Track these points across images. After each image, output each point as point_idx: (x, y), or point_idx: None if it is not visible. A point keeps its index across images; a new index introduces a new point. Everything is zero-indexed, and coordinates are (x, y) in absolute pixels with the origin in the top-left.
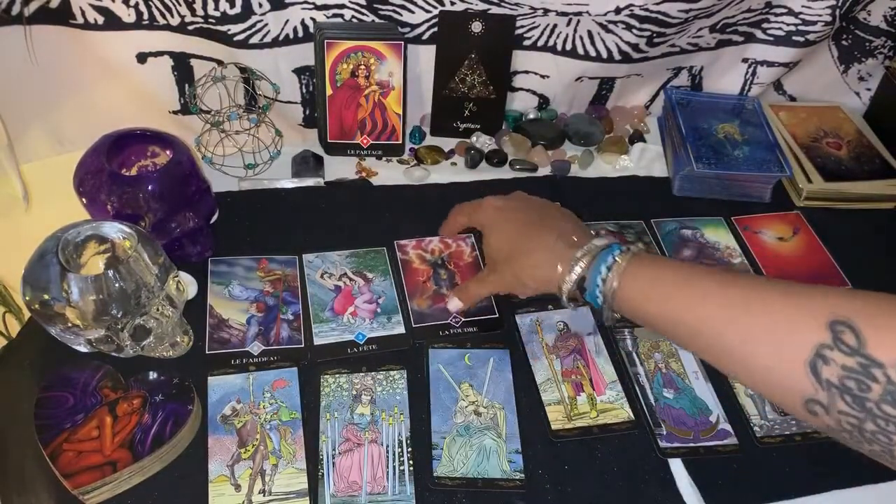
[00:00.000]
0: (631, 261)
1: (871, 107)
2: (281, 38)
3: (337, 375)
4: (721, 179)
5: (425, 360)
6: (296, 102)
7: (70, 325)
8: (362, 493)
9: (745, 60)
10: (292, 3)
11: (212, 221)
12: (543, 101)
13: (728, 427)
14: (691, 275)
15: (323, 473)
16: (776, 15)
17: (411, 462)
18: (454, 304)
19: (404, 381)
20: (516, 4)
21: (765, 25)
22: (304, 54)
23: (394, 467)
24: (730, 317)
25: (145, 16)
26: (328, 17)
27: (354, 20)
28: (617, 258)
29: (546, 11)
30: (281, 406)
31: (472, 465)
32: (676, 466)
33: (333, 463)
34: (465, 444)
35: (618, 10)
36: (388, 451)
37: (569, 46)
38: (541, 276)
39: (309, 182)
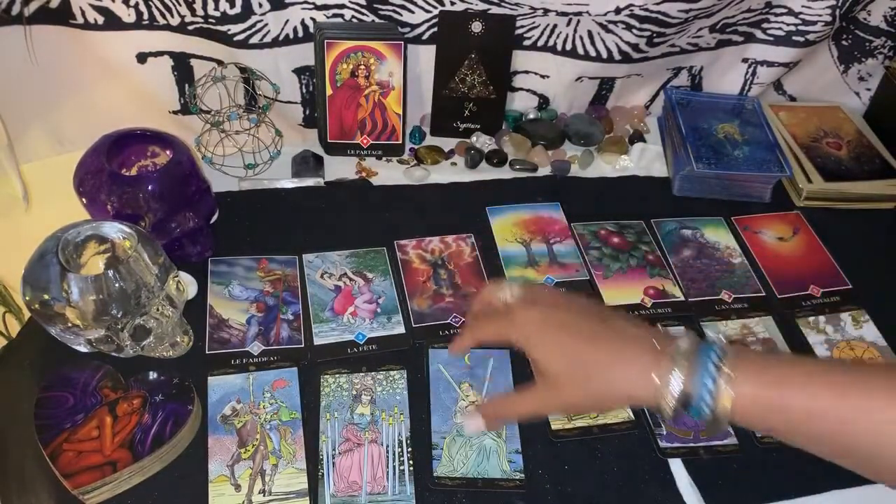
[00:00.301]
0: (736, 368)
1: (871, 107)
2: (281, 38)
3: (337, 375)
4: (721, 179)
5: (425, 361)
6: (296, 102)
7: (70, 325)
8: (362, 493)
9: (745, 60)
10: (292, 3)
11: (212, 221)
12: (543, 101)
13: (729, 427)
14: (823, 367)
15: (323, 473)
16: (776, 15)
17: (411, 462)
18: (474, 425)
19: (404, 381)
20: (516, 4)
21: (765, 25)
22: (304, 54)
23: (394, 467)
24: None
25: (145, 16)
26: (328, 17)
27: (354, 20)
28: (722, 365)
29: (546, 11)
30: (281, 406)
31: (472, 465)
32: (676, 466)
33: (333, 463)
34: (465, 444)
35: (618, 10)
36: (388, 451)
37: (569, 46)
38: (628, 395)
39: (309, 182)
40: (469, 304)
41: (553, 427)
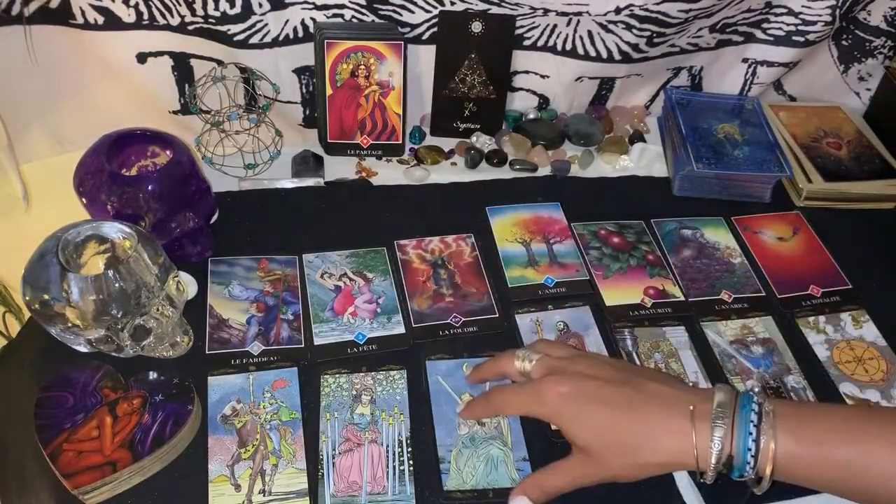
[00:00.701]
0: (776, 424)
1: (871, 107)
2: (281, 38)
3: (337, 375)
4: (721, 179)
5: (423, 373)
6: (296, 102)
7: (70, 325)
8: (362, 494)
9: (745, 60)
10: (292, 3)
11: (212, 221)
12: (543, 101)
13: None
14: (862, 420)
15: (323, 473)
16: (776, 15)
17: (411, 462)
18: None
19: (404, 381)
20: (516, 4)
21: (765, 25)
22: (304, 54)
23: (394, 467)
24: None
25: (145, 16)
26: (328, 17)
27: (354, 20)
28: (762, 423)
29: (546, 11)
30: (281, 406)
31: (482, 477)
32: None
33: (333, 463)
34: (471, 456)
35: (618, 10)
36: (388, 451)
37: (569, 46)
38: (672, 462)
39: (309, 182)
40: (480, 372)
41: (553, 427)
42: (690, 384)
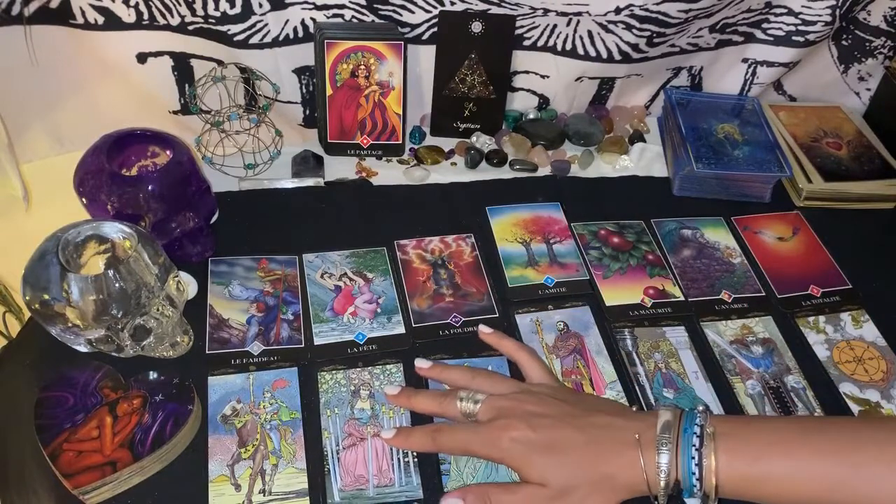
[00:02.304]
0: (717, 443)
1: (871, 107)
2: (281, 38)
3: (334, 372)
4: (721, 179)
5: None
6: (296, 102)
7: (70, 325)
8: (370, 487)
9: (745, 60)
10: (292, 3)
11: (212, 221)
12: (543, 101)
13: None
14: (800, 432)
15: (329, 469)
16: (776, 15)
17: (415, 453)
18: None
19: (401, 375)
20: (516, 4)
21: (765, 25)
22: (304, 54)
23: (398, 459)
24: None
25: (145, 16)
26: (328, 17)
27: (354, 20)
28: (704, 446)
29: (546, 11)
30: (281, 406)
31: (482, 477)
32: None
33: (338, 458)
34: (472, 457)
35: (618, 11)
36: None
37: (569, 46)
38: (624, 489)
39: (309, 182)
40: (411, 402)
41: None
42: (634, 408)
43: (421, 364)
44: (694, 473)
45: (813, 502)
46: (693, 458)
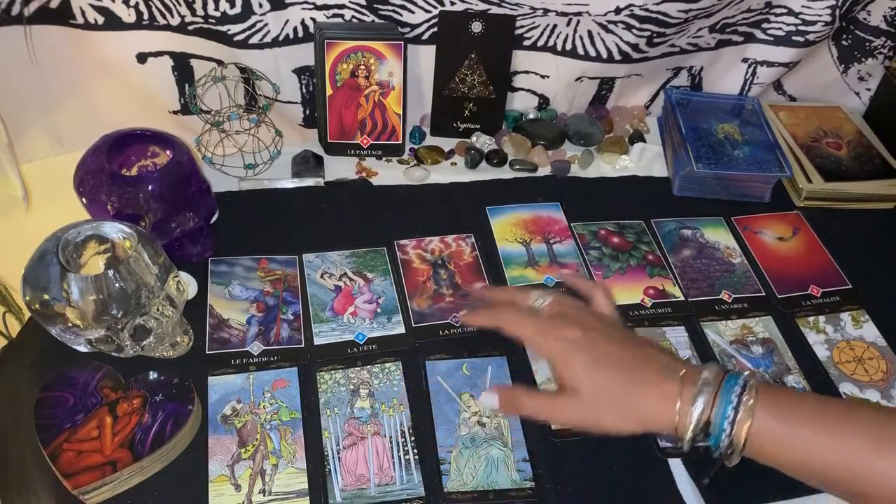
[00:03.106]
0: (757, 397)
1: (870, 107)
2: (281, 38)
3: (333, 371)
4: (721, 179)
5: (423, 374)
6: (296, 102)
7: (70, 325)
8: (371, 486)
9: (744, 60)
10: (292, 3)
11: (212, 221)
12: (543, 101)
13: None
14: (835, 408)
15: (330, 469)
16: (776, 15)
17: (416, 451)
18: (489, 400)
19: (400, 373)
20: (516, 4)
21: (765, 25)
22: (304, 54)
23: (399, 457)
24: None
25: (145, 16)
26: (328, 17)
27: (354, 20)
28: (742, 396)
29: (546, 11)
30: (281, 406)
31: (482, 478)
32: (676, 467)
33: (339, 458)
34: (472, 457)
35: (618, 11)
36: (391, 443)
37: (569, 46)
38: (654, 418)
39: (309, 182)
40: (489, 292)
41: (553, 427)
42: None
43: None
44: (728, 417)
45: (828, 477)
46: (732, 402)
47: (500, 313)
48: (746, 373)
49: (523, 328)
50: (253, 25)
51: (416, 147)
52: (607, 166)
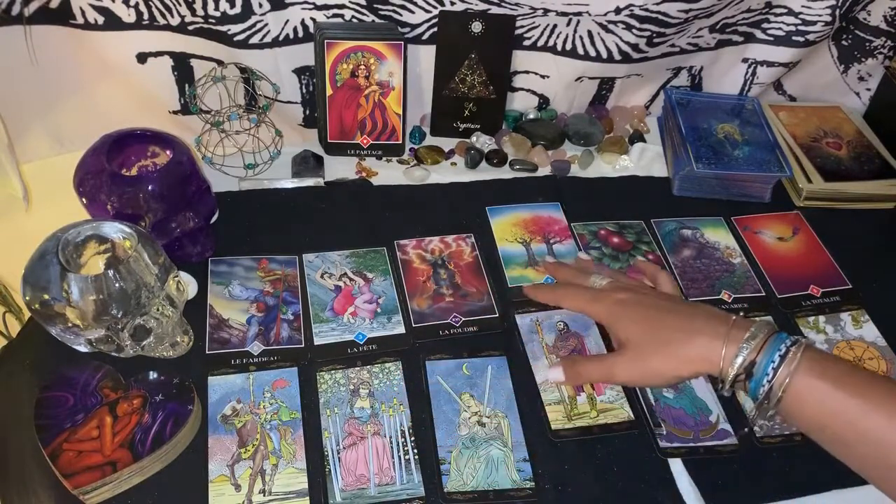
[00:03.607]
0: (804, 353)
1: (871, 107)
2: (281, 38)
3: (333, 371)
4: (721, 179)
5: (423, 374)
6: (296, 102)
7: (70, 325)
8: (371, 486)
9: (745, 60)
10: (292, 3)
11: (212, 221)
12: (543, 101)
13: (728, 427)
14: (880, 382)
15: (330, 469)
16: (776, 15)
17: (416, 451)
18: (556, 374)
19: (400, 373)
20: (516, 4)
21: (765, 25)
22: (304, 54)
23: (399, 457)
24: None
25: (145, 16)
26: (328, 17)
27: (354, 20)
28: (791, 348)
29: (546, 11)
30: (281, 406)
31: (482, 478)
32: (676, 466)
33: (339, 458)
34: (472, 457)
35: (618, 11)
36: (391, 443)
37: (569, 46)
38: (700, 357)
39: (309, 182)
40: (553, 269)
41: (553, 427)
42: None
43: (582, 255)
44: (773, 363)
45: (857, 446)
46: (779, 350)
47: (561, 290)
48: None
49: (581, 300)
50: (253, 25)
51: (416, 147)
52: (607, 166)
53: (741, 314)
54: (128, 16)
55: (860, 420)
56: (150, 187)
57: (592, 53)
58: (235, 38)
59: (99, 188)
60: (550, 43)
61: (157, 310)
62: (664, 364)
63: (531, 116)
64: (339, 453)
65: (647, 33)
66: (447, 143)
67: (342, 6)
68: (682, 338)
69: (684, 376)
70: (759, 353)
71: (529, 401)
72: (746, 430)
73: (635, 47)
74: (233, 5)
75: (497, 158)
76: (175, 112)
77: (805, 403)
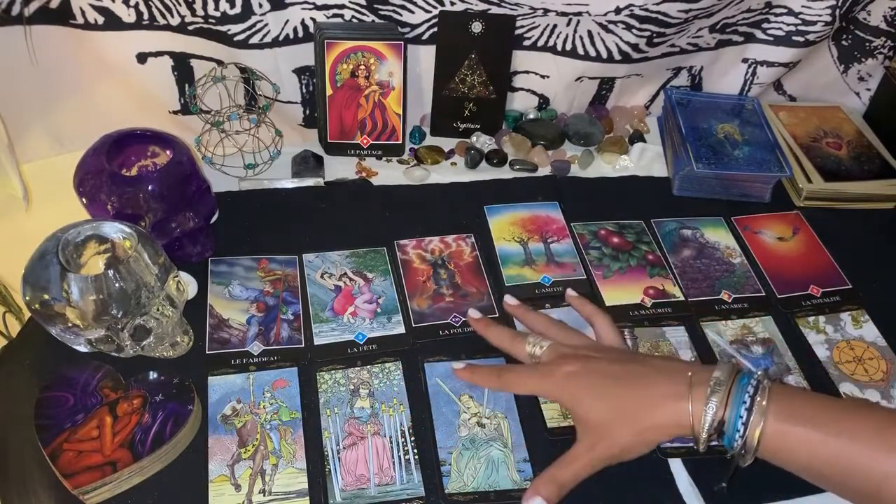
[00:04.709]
0: (771, 397)
1: (871, 107)
2: (281, 38)
3: (333, 371)
4: (721, 179)
5: (422, 376)
6: (296, 102)
7: (70, 325)
8: (371, 486)
9: (744, 60)
10: (292, 3)
11: (212, 221)
12: (543, 101)
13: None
14: (848, 409)
15: (330, 469)
16: (776, 15)
17: (416, 451)
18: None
19: (400, 373)
20: (516, 4)
21: (765, 25)
22: (304, 54)
23: (399, 457)
24: None
25: (145, 16)
26: (328, 17)
27: (354, 20)
28: (755, 397)
29: (546, 11)
30: (281, 406)
31: (483, 479)
32: (676, 466)
33: (339, 458)
34: (472, 458)
35: (618, 11)
36: (391, 442)
37: (569, 46)
38: (671, 423)
39: (309, 182)
40: (485, 331)
41: (549, 425)
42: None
43: (509, 300)
44: (741, 417)
45: (841, 479)
46: (745, 402)
47: (504, 376)
48: (759, 373)
49: (529, 382)
50: (253, 25)
51: (416, 147)
52: (607, 166)
53: (694, 359)
54: (128, 16)
55: (840, 455)
56: (150, 187)
57: (592, 53)
58: (235, 38)
59: (99, 188)
60: (550, 43)
61: (157, 310)
62: (638, 439)
63: (531, 116)
64: (339, 453)
65: (647, 33)
66: (447, 143)
67: (342, 6)
68: (645, 407)
69: (661, 440)
70: (725, 408)
71: (528, 400)
72: (724, 484)
73: (635, 47)
74: (233, 5)
75: (497, 158)
76: (175, 112)
77: (781, 450)
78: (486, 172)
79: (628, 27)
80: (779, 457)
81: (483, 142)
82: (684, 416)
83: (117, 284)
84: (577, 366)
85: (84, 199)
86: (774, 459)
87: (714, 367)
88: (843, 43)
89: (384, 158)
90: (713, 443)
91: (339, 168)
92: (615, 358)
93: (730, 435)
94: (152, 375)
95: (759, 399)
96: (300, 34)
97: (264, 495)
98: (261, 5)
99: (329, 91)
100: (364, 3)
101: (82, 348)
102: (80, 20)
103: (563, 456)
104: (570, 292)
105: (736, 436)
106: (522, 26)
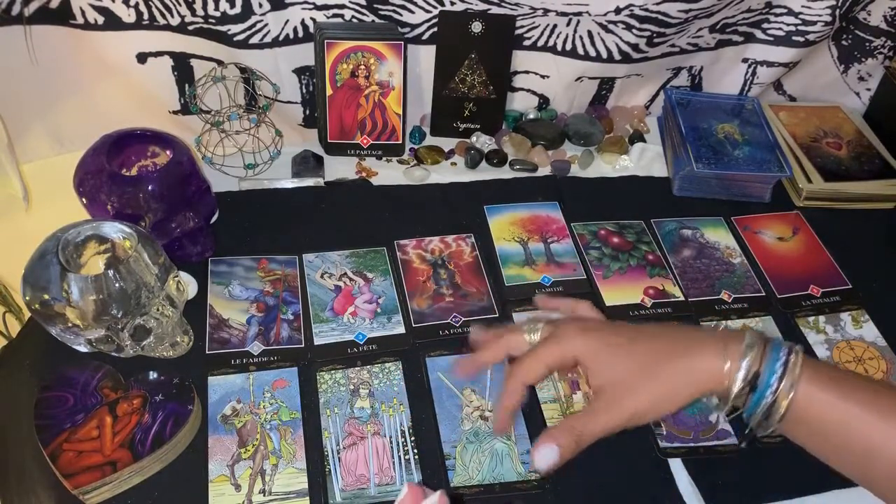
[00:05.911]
0: (804, 362)
1: (870, 107)
2: (281, 38)
3: (333, 371)
4: (721, 179)
5: (424, 371)
6: (296, 102)
7: (70, 325)
8: (371, 486)
9: (744, 60)
10: (292, 3)
11: (212, 221)
12: (543, 101)
13: (728, 427)
14: (880, 388)
15: (330, 469)
16: (776, 15)
17: (416, 451)
18: (546, 460)
19: (400, 373)
20: (516, 4)
21: (765, 25)
22: (304, 54)
23: (399, 457)
24: None
25: (145, 16)
26: (328, 17)
27: (354, 20)
28: (789, 356)
29: (546, 11)
30: (281, 406)
31: (487, 471)
32: (676, 466)
33: (339, 458)
34: (476, 451)
35: (618, 11)
36: (391, 442)
37: (569, 46)
38: (697, 381)
39: (309, 182)
40: (483, 351)
41: (549, 425)
42: None
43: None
44: (776, 372)
45: (861, 457)
46: (780, 359)
47: (518, 372)
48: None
49: (545, 358)
50: (253, 25)
51: (416, 147)
52: (607, 166)
53: (724, 326)
54: (128, 16)
55: (865, 430)
56: (150, 187)
57: (592, 53)
58: (235, 38)
59: (99, 188)
60: (550, 43)
61: (157, 310)
62: (661, 399)
63: (531, 116)
64: (339, 453)
65: (647, 33)
66: (447, 143)
67: (342, 6)
68: (675, 365)
69: (687, 397)
70: (760, 362)
71: (529, 395)
72: (744, 444)
73: (635, 47)
74: (233, 5)
75: (497, 158)
76: (175, 112)
77: (808, 414)
78: (486, 172)
79: (628, 27)
80: (804, 421)
81: (483, 142)
82: (717, 368)
83: (117, 284)
84: (589, 324)
85: (84, 199)
86: (797, 427)
87: (745, 330)
88: (843, 43)
89: (384, 158)
90: (735, 406)
91: (339, 168)
92: (630, 325)
93: (762, 390)
94: (152, 375)
95: (793, 359)
96: (300, 34)
97: (264, 495)
98: (261, 5)
99: (329, 91)
100: (364, 3)
101: (82, 348)
102: (80, 20)
103: (583, 410)
104: (537, 297)
105: (768, 392)
106: (522, 26)
